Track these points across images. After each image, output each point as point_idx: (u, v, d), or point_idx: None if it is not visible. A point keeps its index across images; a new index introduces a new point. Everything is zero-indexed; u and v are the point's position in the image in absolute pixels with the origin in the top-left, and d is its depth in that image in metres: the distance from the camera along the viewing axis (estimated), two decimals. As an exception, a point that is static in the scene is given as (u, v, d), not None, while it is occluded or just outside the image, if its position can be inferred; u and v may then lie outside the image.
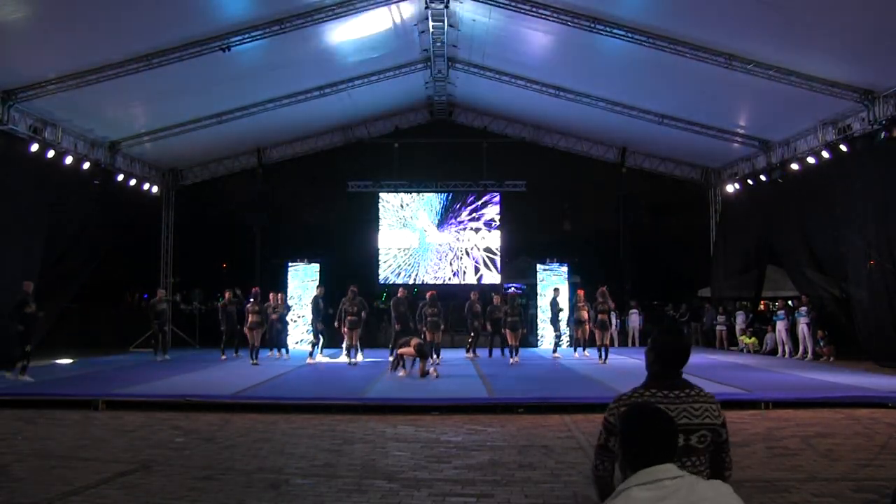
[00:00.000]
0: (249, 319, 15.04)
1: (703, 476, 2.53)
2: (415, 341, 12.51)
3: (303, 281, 20.13)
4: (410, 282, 21.01)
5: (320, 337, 15.91)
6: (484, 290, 18.81)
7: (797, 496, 5.29)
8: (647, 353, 2.83)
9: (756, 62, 12.78)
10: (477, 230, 21.55)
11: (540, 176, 22.84)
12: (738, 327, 19.35)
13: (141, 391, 10.58)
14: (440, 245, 21.51)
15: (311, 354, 15.68)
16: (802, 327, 16.02)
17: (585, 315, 16.24)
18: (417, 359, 12.39)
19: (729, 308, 20.13)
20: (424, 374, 12.27)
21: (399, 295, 15.49)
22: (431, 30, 15.21)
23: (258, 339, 15.20)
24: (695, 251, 23.71)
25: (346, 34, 14.93)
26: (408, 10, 14.52)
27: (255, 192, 22.29)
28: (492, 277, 21.43)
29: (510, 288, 24.74)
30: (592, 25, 12.80)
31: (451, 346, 18.10)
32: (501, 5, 13.08)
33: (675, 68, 13.91)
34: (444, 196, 21.78)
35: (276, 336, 16.82)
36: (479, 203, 21.72)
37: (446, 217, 21.67)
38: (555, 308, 17.38)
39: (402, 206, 21.67)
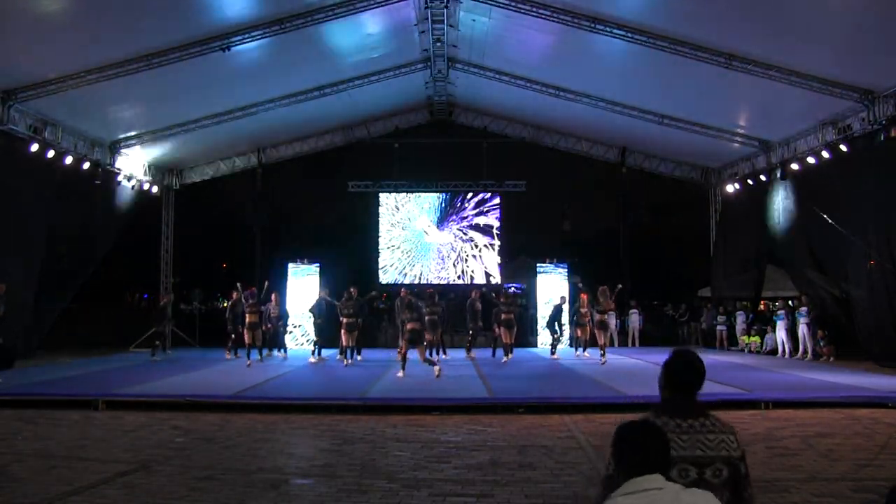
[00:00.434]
0: (247, 319, 14.97)
1: None
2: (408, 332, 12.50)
3: (302, 280, 20.11)
4: (412, 282, 20.98)
5: (320, 338, 15.91)
6: (485, 290, 18.77)
7: (797, 496, 5.29)
8: (659, 378, 2.70)
9: (756, 62, 12.77)
10: (479, 227, 21.54)
11: (540, 176, 22.89)
12: (738, 327, 19.35)
13: (141, 391, 10.58)
14: (442, 245, 21.49)
15: (312, 354, 15.72)
16: (802, 327, 16.02)
17: (587, 317, 16.31)
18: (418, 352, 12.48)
19: (729, 308, 20.13)
20: (427, 361, 12.44)
21: (402, 295, 15.51)
22: (431, 30, 15.20)
23: (258, 338, 15.12)
24: (695, 251, 23.75)
25: (346, 34, 14.93)
26: (408, 10, 14.52)
27: (255, 192, 22.29)
28: (492, 277, 21.42)
29: (510, 288, 24.75)
30: (592, 25, 12.79)
31: (450, 346, 18.06)
32: (501, 5, 13.08)
33: (675, 68, 13.91)
34: (442, 196, 21.76)
35: (274, 336, 16.83)
36: (479, 203, 21.72)
37: (446, 217, 21.66)
38: (556, 313, 17.32)
39: (396, 209, 21.59)
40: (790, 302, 17.46)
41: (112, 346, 19.00)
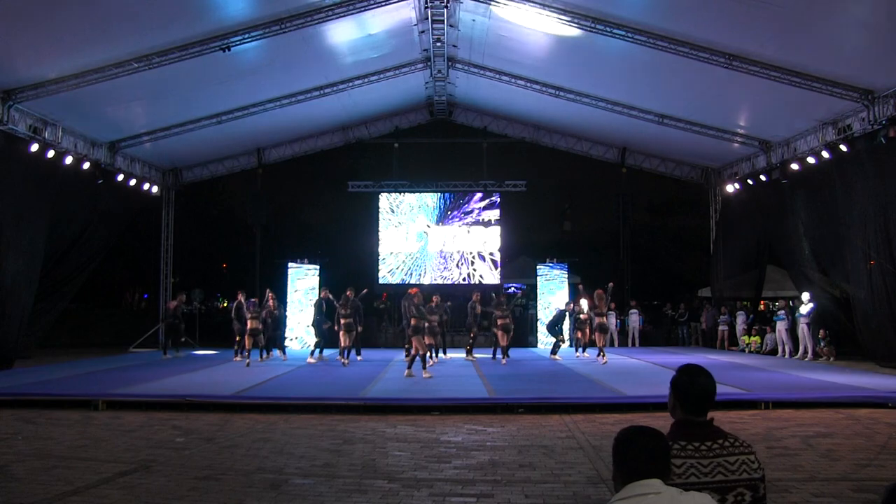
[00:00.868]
0: (249, 325, 15.06)
1: None
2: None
3: (300, 280, 20.14)
4: (411, 282, 20.98)
5: (321, 338, 15.95)
6: (485, 291, 18.78)
7: (797, 496, 5.29)
8: (669, 398, 2.58)
9: (756, 62, 12.77)
10: (479, 227, 21.54)
11: (540, 176, 22.94)
12: (738, 327, 19.35)
13: (141, 391, 10.58)
14: (444, 245, 21.46)
15: (311, 354, 15.74)
16: (803, 327, 16.02)
17: (587, 318, 16.36)
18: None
19: (729, 308, 20.13)
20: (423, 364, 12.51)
21: (411, 293, 15.63)
22: (431, 30, 15.21)
23: (259, 342, 15.27)
24: (695, 251, 23.79)
25: (346, 34, 14.94)
26: (407, 10, 14.52)
27: (255, 192, 22.31)
28: (492, 277, 21.40)
29: (510, 288, 24.76)
30: (592, 25, 12.80)
31: (451, 346, 18.08)
32: (501, 5, 13.08)
33: (675, 68, 13.91)
34: (441, 196, 21.75)
35: (273, 336, 16.84)
36: (479, 203, 21.72)
37: (445, 217, 21.65)
38: (558, 318, 17.30)
39: (392, 211, 21.57)
40: (790, 302, 17.45)
41: (112, 346, 19.01)
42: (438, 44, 16.00)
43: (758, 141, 17.39)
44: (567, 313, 17.29)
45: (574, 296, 17.63)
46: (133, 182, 18.42)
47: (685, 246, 28.20)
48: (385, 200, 21.63)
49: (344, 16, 13.29)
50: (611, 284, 16.84)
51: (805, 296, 16.13)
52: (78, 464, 6.36)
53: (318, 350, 15.77)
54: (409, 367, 12.58)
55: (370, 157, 23.39)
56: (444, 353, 16.06)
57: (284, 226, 29.03)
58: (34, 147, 14.21)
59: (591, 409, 9.32)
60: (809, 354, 15.85)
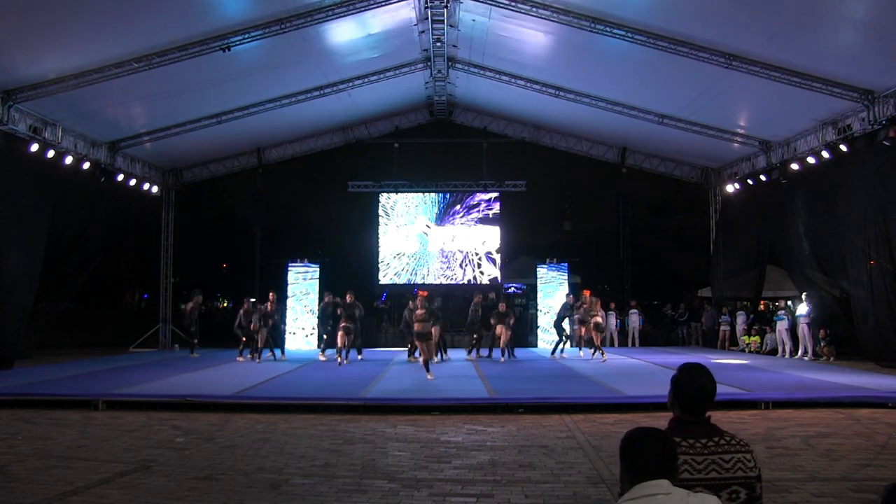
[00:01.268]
0: (253, 327, 15.62)
1: None
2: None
3: (301, 283, 20.16)
4: (411, 282, 20.98)
5: (325, 337, 16.27)
6: (485, 291, 18.77)
7: (797, 496, 5.29)
8: (669, 395, 2.60)
9: (756, 62, 12.77)
10: (478, 227, 21.53)
11: (540, 176, 22.95)
12: (738, 327, 19.35)
13: (141, 391, 10.58)
14: (443, 244, 21.45)
15: (323, 352, 16.05)
16: (803, 327, 16.02)
17: (589, 317, 16.37)
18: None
19: (730, 308, 20.14)
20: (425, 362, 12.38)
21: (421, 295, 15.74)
22: (431, 30, 15.21)
23: (262, 340, 15.64)
24: (695, 251, 23.78)
25: (346, 34, 14.93)
26: (407, 11, 14.52)
27: (255, 192, 22.30)
28: (492, 278, 21.42)
29: (510, 288, 24.76)
30: (592, 25, 12.80)
31: (451, 346, 18.08)
32: (501, 5, 13.08)
33: (675, 68, 13.91)
34: (441, 196, 21.76)
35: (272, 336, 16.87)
36: (479, 203, 21.72)
37: (445, 217, 21.64)
38: (564, 313, 17.30)
39: (387, 213, 21.56)
40: (789, 302, 17.46)
41: (112, 346, 19.01)
42: (438, 44, 16.00)
43: (758, 141, 17.39)
44: (571, 306, 17.18)
45: (577, 294, 17.56)
46: (133, 182, 18.42)
47: (685, 246, 28.20)
48: (391, 199, 21.65)
49: (344, 16, 13.29)
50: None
51: (803, 296, 16.16)
52: (78, 464, 6.36)
53: (325, 348, 15.92)
54: (428, 371, 12.21)
55: (370, 157, 23.38)
56: (445, 353, 16.05)
57: (284, 226, 29.03)
58: (34, 147, 14.20)
59: (591, 409, 9.32)
60: (809, 354, 15.85)
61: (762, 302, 21.29)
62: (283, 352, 16.79)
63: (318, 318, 16.36)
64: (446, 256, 21.46)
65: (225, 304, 37.39)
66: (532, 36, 14.81)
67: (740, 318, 19.35)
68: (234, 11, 12.90)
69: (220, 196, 31.61)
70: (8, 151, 13.74)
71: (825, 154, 14.78)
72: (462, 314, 22.95)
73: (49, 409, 9.40)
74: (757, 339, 18.49)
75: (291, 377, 12.82)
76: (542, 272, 20.80)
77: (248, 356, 15.80)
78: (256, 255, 22.12)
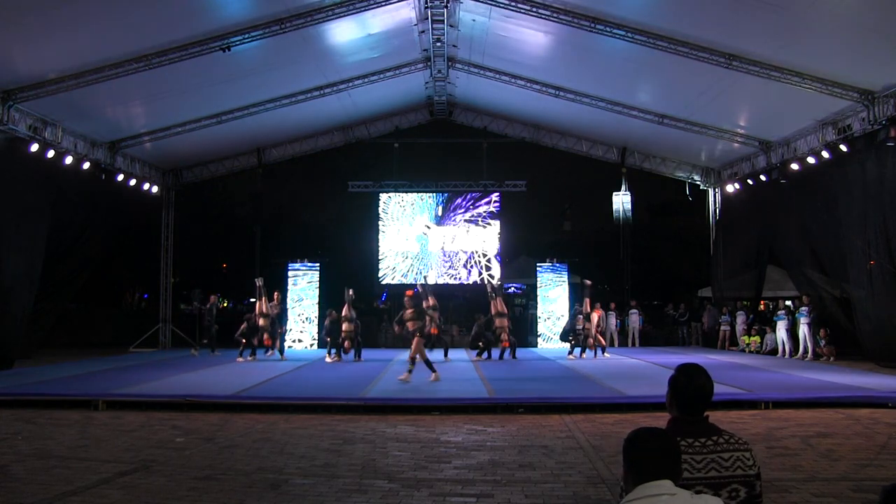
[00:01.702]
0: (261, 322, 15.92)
1: None
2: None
3: (293, 289, 20.21)
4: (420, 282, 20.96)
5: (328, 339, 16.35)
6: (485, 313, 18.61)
7: (797, 496, 5.29)
8: (666, 395, 2.60)
9: (756, 62, 12.78)
10: (478, 227, 21.53)
11: (540, 176, 22.93)
12: (738, 327, 19.35)
13: (141, 391, 10.58)
14: (443, 244, 21.43)
15: (329, 353, 16.04)
16: (803, 327, 16.02)
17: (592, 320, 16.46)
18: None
19: (730, 308, 20.14)
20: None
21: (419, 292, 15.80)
22: (431, 30, 15.21)
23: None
24: (695, 251, 23.77)
25: (346, 34, 14.94)
26: (407, 11, 14.52)
27: (255, 192, 22.28)
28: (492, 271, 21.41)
29: (510, 288, 24.75)
30: (592, 25, 12.80)
31: (451, 346, 18.07)
32: (501, 5, 13.08)
33: (675, 68, 13.91)
34: (441, 196, 21.77)
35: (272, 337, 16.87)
36: (479, 203, 21.72)
37: (444, 217, 21.65)
38: (571, 324, 17.27)
39: (387, 213, 21.55)
40: (789, 303, 17.46)
41: (112, 346, 19.00)
42: (438, 44, 16.00)
43: (758, 141, 17.39)
44: (578, 316, 17.11)
45: (579, 297, 17.52)
46: (133, 182, 18.42)
47: (685, 246, 28.20)
48: (391, 199, 21.65)
49: (344, 16, 13.30)
50: (588, 283, 16.90)
51: (804, 300, 16.20)
52: (78, 464, 6.36)
53: (333, 350, 15.95)
54: (433, 371, 11.87)
55: (370, 157, 23.37)
56: (446, 355, 16.04)
57: (284, 226, 29.01)
58: (34, 147, 14.20)
59: (591, 409, 9.32)
60: (809, 354, 15.85)
61: (762, 302, 21.29)
62: (282, 352, 16.78)
63: (325, 331, 16.49)
64: (448, 256, 21.46)
65: (225, 304, 37.37)
66: (532, 36, 14.82)
67: (740, 318, 19.35)
68: (234, 11, 12.90)
69: (220, 196, 31.61)
70: (8, 151, 13.74)
71: (825, 154, 14.77)
72: (462, 314, 23.02)
73: (49, 409, 9.39)
74: (757, 339, 18.49)
75: (291, 377, 12.83)
76: (542, 272, 20.76)
77: (248, 357, 15.82)
78: (256, 254, 22.12)
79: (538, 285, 20.85)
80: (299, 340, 19.83)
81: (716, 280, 20.93)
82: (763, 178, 17.66)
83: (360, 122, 21.21)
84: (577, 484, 5.67)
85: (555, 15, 12.80)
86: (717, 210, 21.04)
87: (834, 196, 14.95)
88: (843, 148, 14.19)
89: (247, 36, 13.11)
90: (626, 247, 22.70)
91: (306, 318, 20.02)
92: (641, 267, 25.35)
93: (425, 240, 21.52)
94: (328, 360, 15.75)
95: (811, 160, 15.36)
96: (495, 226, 21.54)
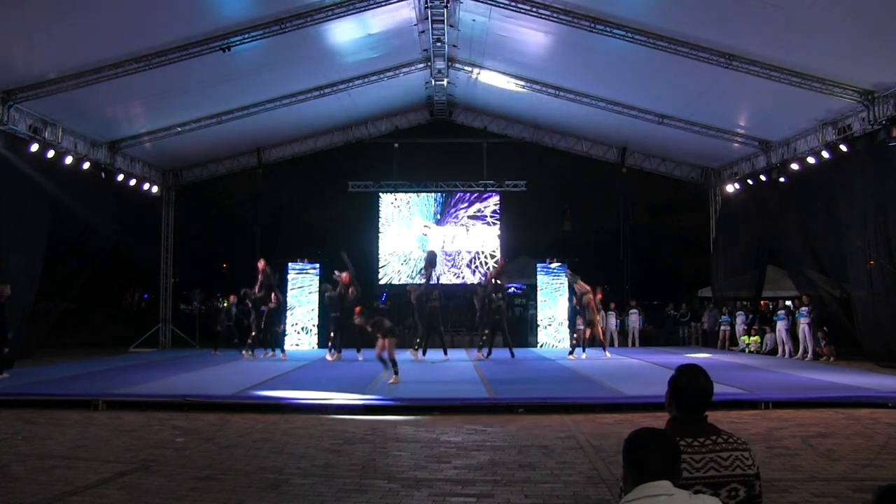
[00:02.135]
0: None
1: None
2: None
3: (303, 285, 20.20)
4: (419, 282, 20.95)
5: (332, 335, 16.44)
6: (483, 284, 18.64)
7: (797, 496, 5.29)
8: (666, 395, 2.63)
9: (756, 62, 12.77)
10: (478, 226, 21.52)
11: (540, 176, 22.92)
12: (738, 327, 19.35)
13: (141, 391, 10.57)
14: (443, 244, 21.41)
15: (330, 351, 16.11)
16: (803, 327, 16.02)
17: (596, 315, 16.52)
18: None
19: (730, 308, 20.14)
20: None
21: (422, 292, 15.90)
22: (431, 30, 15.21)
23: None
24: (695, 251, 23.78)
25: (346, 34, 14.94)
26: (407, 11, 14.52)
27: (255, 192, 22.28)
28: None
29: (510, 288, 24.72)
30: (592, 25, 12.80)
31: (451, 347, 18.06)
32: (501, 5, 13.08)
33: (675, 68, 13.91)
34: (441, 196, 21.76)
35: (273, 336, 16.87)
36: (479, 203, 21.72)
37: (444, 217, 21.64)
38: (573, 311, 17.31)
39: (387, 213, 21.52)
40: (788, 303, 17.46)
41: (112, 346, 19.00)
42: (438, 44, 16.00)
43: (758, 141, 17.39)
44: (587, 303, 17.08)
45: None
46: (133, 182, 18.42)
47: (685, 246, 28.21)
48: (391, 199, 21.63)
49: (344, 16, 13.30)
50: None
51: (804, 300, 16.20)
52: (78, 464, 6.36)
53: (335, 349, 15.98)
54: (396, 373, 11.39)
55: (370, 157, 23.36)
56: (445, 353, 16.04)
57: (284, 226, 29.01)
58: (34, 147, 14.21)
59: (591, 409, 9.31)
60: (809, 354, 15.85)
61: (762, 302, 21.29)
62: (283, 351, 16.77)
63: (322, 310, 16.43)
64: (451, 256, 21.47)
65: (225, 304, 37.37)
66: (532, 36, 14.81)
67: (740, 318, 19.34)
68: (234, 11, 12.91)
69: (220, 196, 31.61)
70: (8, 151, 13.73)
71: (825, 154, 14.77)
72: (462, 314, 23.00)
73: (49, 409, 9.39)
74: (757, 339, 18.48)
75: (291, 377, 12.81)
76: (542, 272, 20.75)
77: (248, 353, 15.87)
78: (256, 254, 22.09)
79: (538, 286, 20.84)
80: (297, 345, 19.80)
81: (716, 280, 20.93)
82: (763, 178, 17.66)
83: (359, 122, 21.21)
84: (577, 484, 5.67)
85: (555, 15, 12.80)
86: (717, 210, 21.04)
87: (834, 196, 14.95)
88: (843, 148, 14.19)
89: (247, 36, 13.11)
90: (626, 247, 22.71)
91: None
92: (641, 267, 25.35)
93: (425, 240, 21.51)
94: (329, 358, 15.75)
95: (811, 160, 15.36)
96: (495, 226, 21.53)
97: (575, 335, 17.06)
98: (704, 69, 13.31)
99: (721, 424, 2.57)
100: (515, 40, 15.37)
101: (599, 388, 11.03)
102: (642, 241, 25.31)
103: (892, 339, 13.40)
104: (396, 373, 11.35)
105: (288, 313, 19.52)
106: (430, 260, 17.10)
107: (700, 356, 16.28)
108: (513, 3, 12.87)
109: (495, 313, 16.40)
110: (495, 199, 21.69)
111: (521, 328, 21.63)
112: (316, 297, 19.88)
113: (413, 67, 17.72)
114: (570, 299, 17.78)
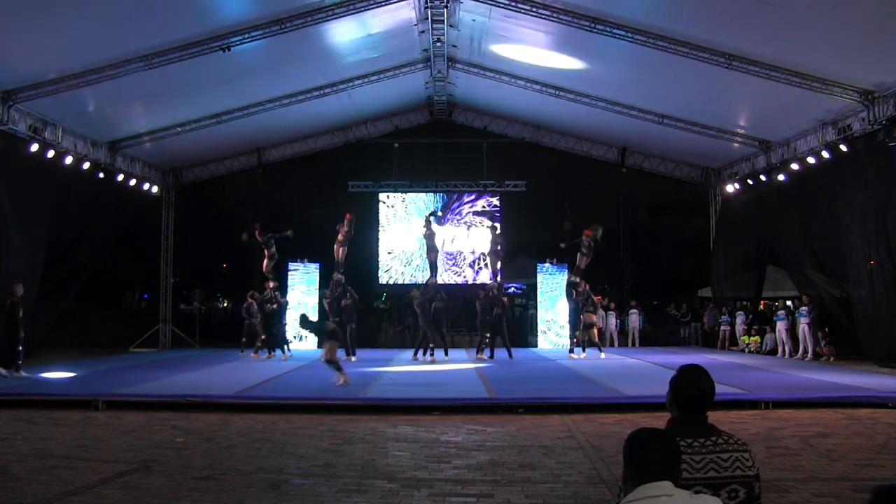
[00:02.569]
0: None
1: None
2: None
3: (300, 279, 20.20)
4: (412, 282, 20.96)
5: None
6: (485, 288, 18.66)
7: (797, 496, 5.28)
8: (667, 396, 2.62)
9: (756, 62, 12.77)
10: (478, 226, 21.51)
11: (540, 176, 22.90)
12: (738, 327, 19.35)
13: (141, 391, 10.58)
14: (444, 244, 21.41)
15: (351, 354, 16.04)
16: (803, 327, 16.02)
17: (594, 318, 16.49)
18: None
19: (730, 308, 20.14)
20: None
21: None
22: (431, 30, 15.20)
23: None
24: (695, 251, 23.76)
25: (346, 34, 14.93)
26: (407, 11, 14.52)
27: (255, 192, 22.28)
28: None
29: (510, 288, 24.73)
30: (592, 25, 12.80)
31: (450, 346, 18.06)
32: (501, 5, 13.08)
33: (675, 68, 13.91)
34: (440, 196, 21.74)
35: (276, 336, 16.85)
36: (478, 203, 21.71)
37: (444, 217, 21.62)
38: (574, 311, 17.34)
39: (387, 213, 21.50)
40: (789, 303, 17.47)
41: (112, 346, 18.99)
42: (438, 44, 16.00)
43: (758, 141, 17.38)
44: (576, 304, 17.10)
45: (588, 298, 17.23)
46: (133, 182, 18.41)
47: (685, 246, 28.18)
48: (391, 199, 21.61)
49: (344, 16, 13.30)
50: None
51: (804, 300, 16.20)
52: (78, 464, 6.36)
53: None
54: (342, 374, 11.14)
55: (370, 157, 23.35)
56: (446, 353, 16.03)
57: (284, 226, 28.89)
58: (34, 147, 14.20)
59: (591, 409, 9.32)
60: (809, 354, 15.85)
61: (762, 302, 21.30)
62: (283, 351, 16.76)
63: (322, 314, 16.46)
64: (453, 256, 21.46)
65: (225, 304, 37.36)
66: (532, 36, 14.81)
67: (740, 318, 19.35)
68: (234, 11, 12.91)
69: (220, 196, 31.59)
70: (8, 151, 13.73)
71: (825, 154, 14.77)
72: (461, 314, 22.99)
73: (49, 409, 9.39)
74: (757, 339, 18.48)
75: (291, 377, 12.82)
76: (543, 272, 20.75)
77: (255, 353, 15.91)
78: (256, 254, 22.08)
79: (538, 285, 20.83)
80: (294, 338, 19.76)
81: (716, 280, 20.93)
82: (763, 178, 17.65)
83: (360, 122, 21.21)
84: (577, 484, 5.67)
85: (555, 15, 12.80)
86: (717, 210, 21.04)
87: (834, 196, 14.95)
88: (843, 148, 14.19)
89: (247, 36, 13.11)
90: (626, 247, 22.70)
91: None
92: (641, 267, 25.32)
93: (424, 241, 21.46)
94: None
95: (811, 160, 15.35)
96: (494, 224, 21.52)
97: (576, 335, 17.03)
98: (704, 69, 13.30)
99: (721, 424, 2.57)
100: (515, 40, 15.36)
101: (599, 388, 11.04)
102: (642, 241, 25.29)
103: (892, 339, 13.39)
104: (342, 373, 11.08)
105: (288, 312, 19.49)
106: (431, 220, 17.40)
107: (699, 356, 16.27)
108: (513, 3, 12.87)
109: (495, 318, 16.34)
110: (495, 201, 21.67)
111: (521, 328, 21.62)
112: (316, 297, 19.87)
113: (413, 67, 17.72)
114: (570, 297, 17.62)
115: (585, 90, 16.99)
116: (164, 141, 17.80)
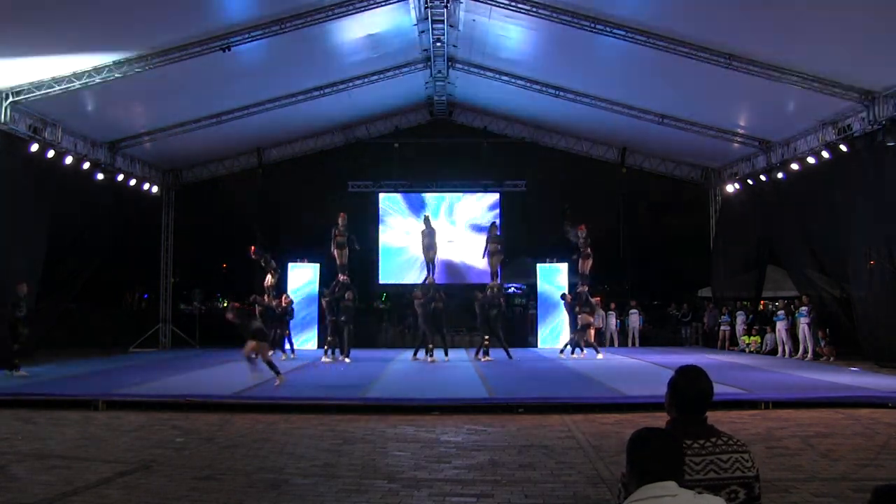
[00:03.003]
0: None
1: None
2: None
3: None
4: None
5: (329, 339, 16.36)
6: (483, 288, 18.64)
7: (797, 496, 5.28)
8: (666, 397, 2.62)
9: (756, 62, 12.77)
10: (478, 226, 21.52)
11: (540, 176, 22.83)
12: (738, 327, 19.35)
13: (141, 391, 10.58)
14: (448, 245, 21.39)
15: (325, 353, 16.06)
16: (803, 327, 16.01)
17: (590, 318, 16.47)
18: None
19: (730, 308, 20.14)
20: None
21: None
22: (431, 30, 15.21)
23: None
24: (695, 251, 23.72)
25: (346, 34, 14.93)
26: (408, 10, 14.52)
27: (255, 192, 22.27)
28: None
29: (510, 288, 24.72)
30: (592, 25, 12.80)
31: (451, 346, 18.05)
32: (501, 5, 13.08)
33: (675, 68, 13.91)
34: (440, 196, 21.75)
35: (279, 337, 16.86)
36: (479, 203, 21.71)
37: (443, 217, 21.63)
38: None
39: (387, 213, 21.49)
40: (791, 304, 17.47)
41: (112, 346, 18.99)
42: (438, 44, 16.00)
43: (758, 141, 17.38)
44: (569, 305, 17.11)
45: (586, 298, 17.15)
46: (133, 182, 18.42)
47: (685, 246, 28.15)
48: (390, 199, 21.61)
49: (344, 16, 13.30)
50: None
51: (804, 300, 16.21)
52: (78, 464, 6.36)
53: (331, 350, 15.92)
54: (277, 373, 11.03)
55: (370, 157, 23.35)
56: (447, 354, 16.02)
57: (284, 226, 28.90)
58: (34, 147, 14.20)
59: (591, 409, 9.31)
60: (809, 354, 15.85)
61: (762, 302, 21.29)
62: (283, 351, 16.74)
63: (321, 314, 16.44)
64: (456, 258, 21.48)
65: (225, 305, 37.34)
66: (532, 36, 14.81)
67: (740, 318, 19.34)
68: (234, 11, 12.92)
69: (220, 196, 31.56)
70: (8, 151, 13.73)
71: (825, 154, 14.77)
72: (461, 314, 22.96)
73: (49, 409, 9.39)
74: (757, 339, 18.48)
75: (291, 377, 12.77)
76: (543, 272, 20.74)
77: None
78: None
79: (538, 285, 20.83)
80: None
81: (716, 280, 20.93)
82: (763, 178, 17.65)
83: (360, 122, 21.22)
84: (577, 484, 5.67)
85: (555, 15, 12.80)
86: (717, 210, 21.04)
87: (834, 196, 14.95)
88: (843, 148, 14.19)
89: (247, 36, 13.12)
90: (626, 247, 22.69)
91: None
92: (641, 267, 25.29)
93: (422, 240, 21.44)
94: (324, 360, 15.65)
95: (811, 160, 15.35)
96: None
97: (573, 335, 17.04)
98: (704, 69, 13.30)
99: (721, 424, 2.57)
100: (515, 40, 15.36)
101: (599, 388, 11.04)
102: (642, 241, 25.22)
103: (892, 339, 13.39)
104: (278, 373, 10.98)
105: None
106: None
107: (699, 356, 16.27)
108: (513, 3, 12.87)
109: (492, 319, 16.33)
110: (495, 199, 21.66)
111: (521, 328, 21.61)
112: (315, 296, 19.88)
113: (413, 67, 17.73)
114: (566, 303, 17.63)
115: (585, 90, 16.99)
116: (164, 141, 17.81)
